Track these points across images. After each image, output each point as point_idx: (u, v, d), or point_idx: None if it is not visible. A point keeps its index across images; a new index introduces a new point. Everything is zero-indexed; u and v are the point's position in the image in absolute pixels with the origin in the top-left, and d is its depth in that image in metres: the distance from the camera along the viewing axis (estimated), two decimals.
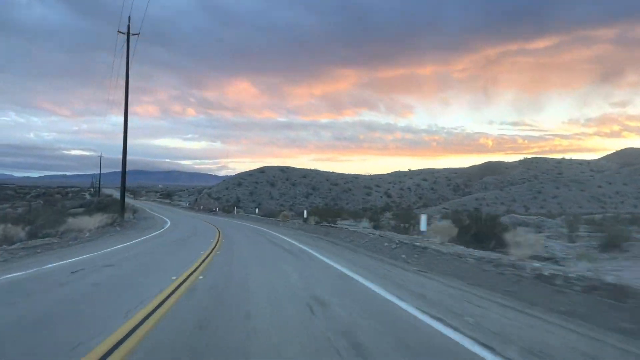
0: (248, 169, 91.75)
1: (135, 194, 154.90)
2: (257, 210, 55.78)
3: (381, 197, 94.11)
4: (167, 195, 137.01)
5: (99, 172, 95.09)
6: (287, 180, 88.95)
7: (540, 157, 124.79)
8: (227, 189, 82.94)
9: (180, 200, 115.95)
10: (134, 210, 46.11)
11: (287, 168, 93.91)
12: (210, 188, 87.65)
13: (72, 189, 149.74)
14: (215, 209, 65.11)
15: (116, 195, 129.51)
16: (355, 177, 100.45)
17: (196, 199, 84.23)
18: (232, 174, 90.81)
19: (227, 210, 62.58)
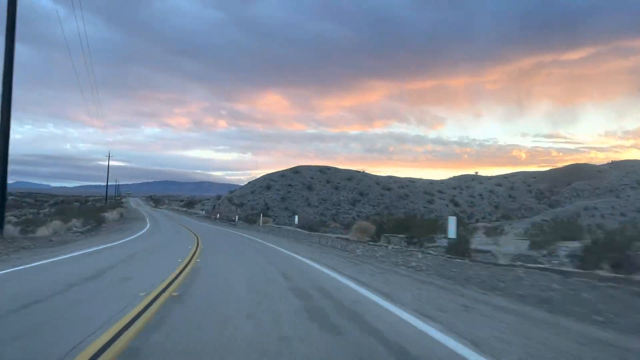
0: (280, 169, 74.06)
1: (158, 202, 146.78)
2: (296, 219, 37.55)
3: (447, 205, 74.29)
4: (189, 204, 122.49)
5: (107, 181, 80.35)
6: (327, 183, 70.61)
7: (635, 160, 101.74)
8: (252, 192, 65.31)
9: (202, 209, 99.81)
10: (99, 222, 28.93)
11: (328, 169, 75.61)
12: (231, 192, 70.21)
13: (97, 197, 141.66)
14: (235, 219, 47.49)
15: (130, 203, 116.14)
16: (411, 182, 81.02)
17: (214, 206, 67.08)
18: (260, 176, 73.07)
19: (251, 220, 44.90)
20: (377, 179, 77.13)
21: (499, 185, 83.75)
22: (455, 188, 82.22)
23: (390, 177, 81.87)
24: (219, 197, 70.10)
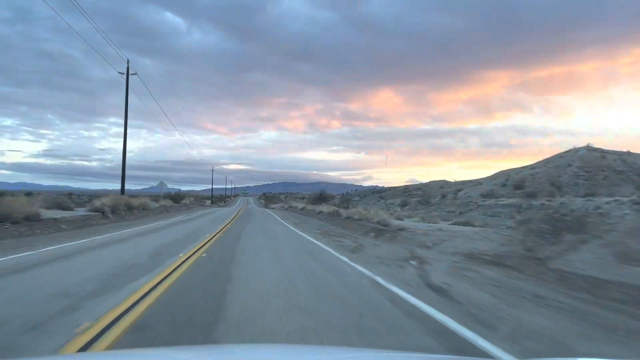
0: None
1: (270, 200, 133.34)
2: None
3: None
4: (319, 199, 72.82)
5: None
6: None
7: None
8: None
9: (394, 202, 49.16)
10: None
11: None
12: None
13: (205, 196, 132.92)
14: None
15: (238, 202, 75.81)
16: None
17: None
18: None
19: None
20: None
21: None
22: None
23: None
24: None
